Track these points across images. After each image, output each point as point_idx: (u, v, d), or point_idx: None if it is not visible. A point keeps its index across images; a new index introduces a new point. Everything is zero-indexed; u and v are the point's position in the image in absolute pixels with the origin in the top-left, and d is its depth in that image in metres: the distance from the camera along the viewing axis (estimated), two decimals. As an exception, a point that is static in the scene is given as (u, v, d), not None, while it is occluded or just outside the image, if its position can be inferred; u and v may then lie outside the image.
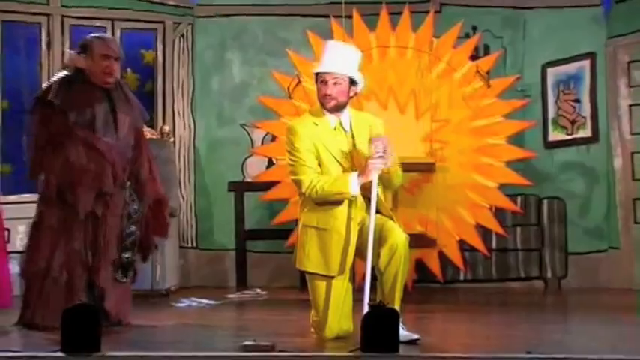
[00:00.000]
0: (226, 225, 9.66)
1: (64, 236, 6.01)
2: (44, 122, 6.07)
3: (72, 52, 6.45)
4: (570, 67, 9.89)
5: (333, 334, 5.67)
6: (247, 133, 10.06)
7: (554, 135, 9.99)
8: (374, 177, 5.53)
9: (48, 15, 9.68)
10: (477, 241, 9.09)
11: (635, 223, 9.48)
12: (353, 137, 5.74)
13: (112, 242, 6.12)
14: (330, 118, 5.76)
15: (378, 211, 5.66)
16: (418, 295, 8.27)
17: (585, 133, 9.83)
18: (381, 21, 9.33)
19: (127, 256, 6.17)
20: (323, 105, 5.76)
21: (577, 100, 9.87)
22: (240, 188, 9.55)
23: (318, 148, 5.70)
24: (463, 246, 9.19)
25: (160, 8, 10.00)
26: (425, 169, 8.82)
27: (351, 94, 5.76)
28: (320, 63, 5.79)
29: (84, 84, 6.11)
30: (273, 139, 9.41)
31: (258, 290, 8.86)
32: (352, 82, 5.73)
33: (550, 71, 9.98)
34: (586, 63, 9.81)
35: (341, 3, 9.20)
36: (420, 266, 9.02)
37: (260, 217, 9.58)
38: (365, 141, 5.71)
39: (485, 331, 6.39)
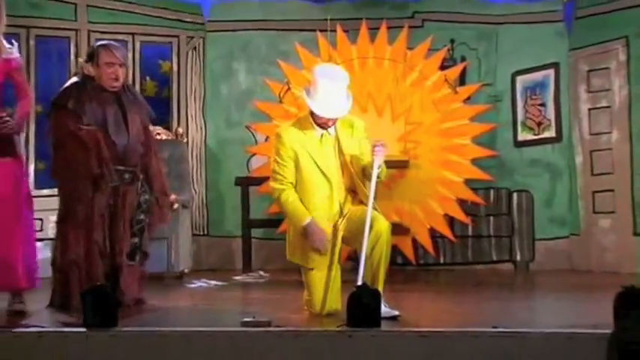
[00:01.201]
0: (233, 215, 9.66)
1: (85, 229, 5.93)
2: (59, 125, 6.01)
3: (81, 59, 6.35)
4: (537, 76, 9.88)
5: (324, 313, 5.66)
6: (252, 133, 10.04)
7: (523, 135, 9.97)
8: (376, 164, 5.50)
9: (76, 30, 9.66)
10: (445, 229, 9.21)
11: (594, 212, 9.47)
12: (338, 140, 5.71)
13: (127, 231, 6.08)
14: (318, 129, 5.72)
15: (362, 203, 5.65)
16: (395, 277, 8.24)
17: (550, 133, 9.81)
18: (361, 35, 9.38)
19: (134, 241, 6.12)
20: (321, 126, 5.67)
21: (543, 105, 9.86)
22: (245, 182, 9.54)
23: (301, 156, 5.64)
24: (434, 233, 9.25)
25: (176, 24, 9.98)
26: (400, 165, 8.86)
27: None
28: (319, 101, 5.56)
29: (94, 89, 6.03)
30: (268, 139, 9.46)
31: (261, 272, 8.85)
32: None
33: (519, 79, 9.97)
34: (551, 72, 9.79)
35: (327, 20, 9.26)
36: (395, 251, 9.02)
37: (263, 207, 9.56)
38: (348, 142, 5.68)
39: (458, 308, 6.37)
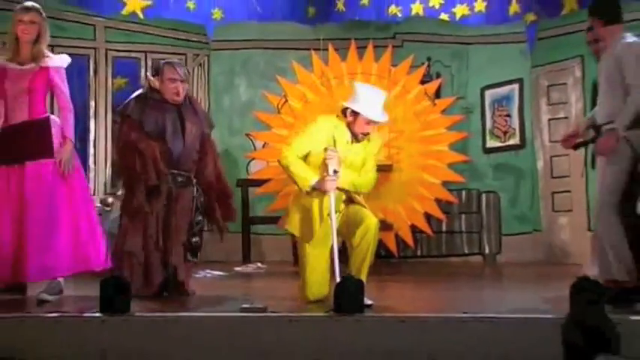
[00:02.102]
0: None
1: (141, 225, 5.90)
2: (123, 133, 5.98)
3: (148, 74, 6.30)
4: (503, 90, 9.89)
5: (314, 297, 5.63)
6: (252, 141, 10.02)
7: (491, 142, 9.98)
8: (330, 168, 5.47)
9: (95, 48, 9.64)
10: (424, 225, 9.20)
11: (554, 211, 9.48)
12: (355, 147, 5.65)
13: (183, 228, 5.98)
14: (348, 132, 5.65)
15: (352, 201, 5.64)
16: (379, 268, 8.23)
17: (515, 141, 9.82)
18: (350, 53, 9.36)
19: (195, 240, 6.04)
20: (355, 135, 5.61)
21: (508, 115, 9.87)
22: (245, 184, 9.53)
23: (324, 145, 5.55)
24: (414, 229, 9.24)
25: (183, 43, 9.96)
26: (384, 169, 8.85)
27: None
28: (369, 107, 5.53)
29: (157, 101, 5.99)
30: (264, 145, 9.46)
31: (259, 264, 8.84)
32: None
33: (487, 93, 9.98)
34: (515, 86, 9.81)
35: (319, 40, 9.25)
36: (380, 245, 9.02)
37: (261, 206, 9.55)
38: (362, 152, 5.64)
39: (433, 295, 6.37)
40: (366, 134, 5.62)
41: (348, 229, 5.60)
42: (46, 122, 5.78)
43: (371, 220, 5.52)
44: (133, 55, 9.76)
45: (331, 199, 5.49)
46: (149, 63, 9.79)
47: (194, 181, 6.08)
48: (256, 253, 9.51)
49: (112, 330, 4.84)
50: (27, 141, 5.70)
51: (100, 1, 9.93)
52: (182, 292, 6.03)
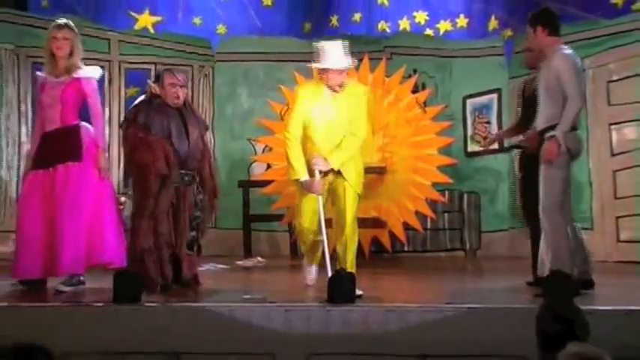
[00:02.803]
0: (236, 211, 9.60)
1: (153, 222, 5.83)
2: (130, 136, 5.93)
3: (149, 81, 6.22)
4: (483, 99, 9.88)
5: (310, 234, 5.70)
6: (252, 145, 10.00)
7: (472, 147, 9.96)
8: (317, 174, 5.60)
9: (109, 60, 9.61)
10: (415, 223, 9.12)
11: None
12: (340, 102, 5.68)
13: (187, 226, 5.96)
14: (326, 90, 5.67)
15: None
16: (373, 262, 8.25)
17: (494, 146, 9.80)
18: (347, 65, 9.32)
19: (192, 234, 6.01)
20: (332, 88, 5.64)
21: (488, 122, 9.85)
22: (246, 185, 9.51)
23: (310, 110, 5.66)
24: (406, 226, 9.21)
25: (190, 56, 9.94)
26: (379, 171, 8.83)
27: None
28: (328, 59, 5.61)
29: (159, 105, 5.94)
30: (270, 149, 9.41)
31: (259, 258, 8.81)
32: None
33: (469, 102, 9.96)
34: (494, 96, 9.79)
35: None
36: (375, 241, 9.01)
37: (261, 205, 9.52)
38: (345, 103, 5.66)
39: (419, 286, 6.36)
40: (342, 84, 5.62)
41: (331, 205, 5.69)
42: (75, 129, 5.83)
43: (347, 220, 5.59)
44: (145, 66, 9.72)
45: (319, 202, 5.52)
46: (158, 73, 9.79)
47: (197, 179, 6.06)
48: (256, 248, 9.48)
49: (125, 318, 4.84)
50: (58, 146, 5.77)
51: (115, 17, 9.91)
52: (187, 284, 5.99)
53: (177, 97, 5.97)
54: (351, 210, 5.64)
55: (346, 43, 5.79)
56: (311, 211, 5.73)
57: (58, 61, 5.86)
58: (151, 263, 5.79)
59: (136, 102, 6.13)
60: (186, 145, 5.95)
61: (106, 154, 5.93)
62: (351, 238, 5.59)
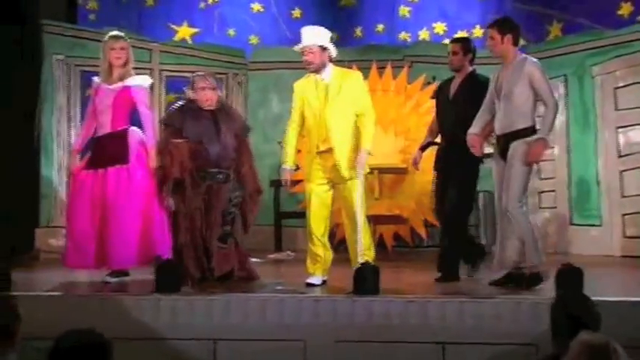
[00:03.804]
0: (268, 208, 9.62)
1: (188, 218, 5.84)
2: (161, 139, 5.96)
3: (185, 87, 6.21)
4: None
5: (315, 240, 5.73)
6: (282, 147, 9.98)
7: (487, 149, 9.89)
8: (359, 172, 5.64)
9: (151, 69, 9.64)
10: (434, 220, 9.07)
11: (540, 207, 9.41)
12: (327, 87, 5.69)
13: (219, 220, 5.95)
14: (316, 77, 5.73)
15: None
16: (395, 256, 8.24)
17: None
18: (371, 73, 9.32)
19: (226, 228, 6.01)
20: (308, 70, 5.76)
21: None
22: (277, 184, 9.48)
23: (304, 100, 5.76)
24: (426, 223, 9.18)
25: (225, 64, 9.96)
26: (401, 172, 8.81)
27: (325, 57, 5.71)
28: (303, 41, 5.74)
29: (194, 109, 5.94)
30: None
31: (289, 252, 8.84)
32: (323, 49, 5.69)
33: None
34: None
35: (344, 61, 9.18)
36: (396, 236, 9.01)
37: (291, 202, 9.54)
38: (337, 89, 5.68)
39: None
40: (307, 63, 5.69)
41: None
42: (124, 134, 5.88)
43: (350, 220, 5.64)
44: (183, 74, 9.74)
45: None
46: (196, 81, 9.81)
47: (232, 177, 6.04)
48: (286, 242, 9.50)
49: (165, 307, 4.88)
50: (108, 150, 5.83)
51: (156, 29, 9.96)
52: (218, 276, 5.92)
53: (209, 100, 5.96)
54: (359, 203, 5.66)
55: (320, 28, 5.84)
56: (320, 216, 5.72)
57: (114, 70, 5.93)
58: (189, 258, 5.79)
59: (173, 107, 6.16)
60: (217, 146, 5.93)
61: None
62: (352, 233, 5.64)
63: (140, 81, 6.04)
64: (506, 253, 5.54)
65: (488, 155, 6.04)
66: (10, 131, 8.16)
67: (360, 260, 5.34)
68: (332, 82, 5.69)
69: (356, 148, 5.67)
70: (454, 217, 6.00)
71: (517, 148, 5.46)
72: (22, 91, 8.43)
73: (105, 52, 5.97)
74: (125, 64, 5.94)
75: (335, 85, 5.68)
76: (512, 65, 5.54)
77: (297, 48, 5.75)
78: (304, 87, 5.79)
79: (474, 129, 5.69)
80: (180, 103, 6.12)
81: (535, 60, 5.63)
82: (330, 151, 5.65)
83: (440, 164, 6.20)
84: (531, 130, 5.48)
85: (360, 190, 5.61)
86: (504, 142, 5.54)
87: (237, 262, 6.09)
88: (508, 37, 5.57)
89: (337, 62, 9.56)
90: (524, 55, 5.65)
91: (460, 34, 10.21)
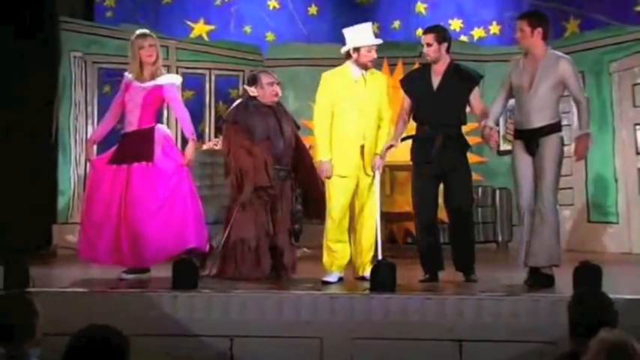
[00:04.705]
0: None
1: (252, 215, 5.78)
2: (231, 138, 5.90)
3: (245, 86, 6.13)
4: (514, 101, 9.76)
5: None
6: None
7: (504, 146, 9.82)
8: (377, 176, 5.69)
9: (168, 66, 9.63)
10: (445, 217, 9.06)
11: (558, 205, 9.35)
12: (365, 83, 5.73)
13: (287, 216, 5.93)
14: (357, 73, 5.70)
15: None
16: (408, 253, 8.19)
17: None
18: (383, 69, 9.30)
19: (297, 227, 6.01)
20: (365, 66, 5.71)
21: (518, 122, 9.76)
22: (294, 181, 9.53)
23: (338, 95, 5.67)
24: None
25: (241, 61, 9.96)
26: (412, 169, 8.78)
27: None
28: (363, 37, 5.73)
29: (256, 106, 5.90)
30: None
31: (305, 249, 8.82)
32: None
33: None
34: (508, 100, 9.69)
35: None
36: (409, 233, 9.00)
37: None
38: (374, 91, 5.74)
39: (454, 277, 6.31)
40: (373, 60, 5.70)
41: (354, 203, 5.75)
42: (150, 132, 5.90)
43: (363, 226, 5.69)
44: (199, 71, 9.78)
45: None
46: (212, 78, 9.82)
47: (292, 174, 6.00)
48: (302, 239, 9.49)
49: (182, 303, 4.89)
50: (134, 147, 5.83)
51: (173, 26, 9.98)
52: (286, 275, 5.91)
53: (277, 95, 5.94)
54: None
55: (370, 24, 5.90)
56: (344, 211, 5.72)
57: (145, 68, 5.94)
58: (244, 253, 5.74)
59: (235, 104, 6.10)
60: (281, 143, 5.89)
61: (194, 146, 5.92)
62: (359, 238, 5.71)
63: (172, 79, 6.07)
64: (534, 249, 5.48)
65: (506, 152, 6.01)
66: (28, 128, 8.21)
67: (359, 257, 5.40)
68: (369, 80, 5.76)
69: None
70: (468, 212, 5.95)
71: (549, 143, 5.43)
72: (40, 88, 8.47)
73: (134, 51, 5.97)
74: (155, 61, 5.96)
75: (372, 84, 5.77)
76: (542, 60, 5.49)
77: (370, 44, 5.71)
78: (338, 80, 5.73)
79: (491, 122, 5.66)
80: (240, 100, 6.06)
81: (568, 57, 5.60)
82: (362, 147, 5.66)
83: (427, 157, 5.86)
84: (559, 126, 5.48)
85: (377, 190, 5.64)
86: (532, 138, 5.49)
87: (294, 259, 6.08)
88: (538, 31, 5.53)
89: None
90: (553, 51, 5.59)
91: (477, 31, 10.21)
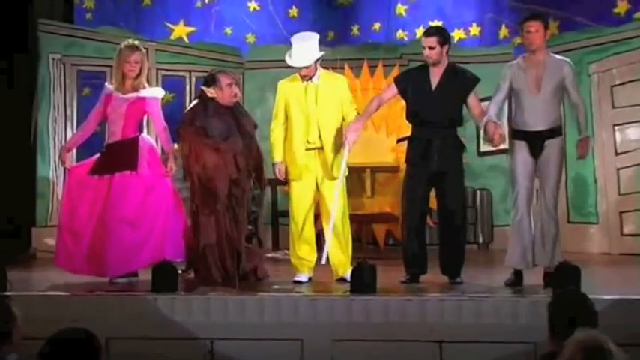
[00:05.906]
0: (266, 208, 9.62)
1: (214, 218, 5.72)
2: (189, 139, 5.83)
3: (203, 86, 6.00)
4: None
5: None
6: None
7: (484, 147, 9.89)
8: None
9: (148, 68, 9.63)
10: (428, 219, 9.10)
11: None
12: (317, 89, 5.78)
13: (245, 219, 5.92)
14: (303, 81, 5.85)
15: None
16: (388, 254, 8.22)
17: (505, 145, 9.63)
18: (363, 71, 9.33)
19: (250, 228, 6.00)
20: (303, 78, 5.84)
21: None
22: (274, 183, 9.44)
23: (289, 101, 5.81)
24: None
25: (222, 63, 9.90)
26: (392, 170, 8.80)
27: (317, 65, 5.87)
28: (292, 57, 5.86)
29: (214, 107, 5.83)
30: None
31: (286, 251, 8.81)
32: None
33: (482, 105, 9.89)
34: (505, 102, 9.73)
35: (337, 60, 9.21)
36: (389, 234, 9.03)
37: (286, 202, 9.52)
38: (327, 93, 5.81)
39: (436, 278, 6.33)
40: (306, 78, 5.78)
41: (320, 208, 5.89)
42: (134, 142, 5.87)
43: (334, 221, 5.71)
44: (179, 73, 9.74)
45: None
46: (193, 80, 9.79)
47: (253, 175, 5.98)
48: (283, 241, 9.49)
49: (163, 306, 4.88)
50: (117, 157, 5.81)
51: (153, 28, 9.94)
52: (246, 276, 5.88)
53: (235, 95, 5.90)
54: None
55: (316, 35, 5.93)
56: (306, 214, 5.79)
57: (127, 80, 5.91)
58: (212, 259, 5.68)
59: (191, 105, 6.03)
60: (239, 143, 5.88)
61: (175, 159, 5.91)
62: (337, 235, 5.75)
63: (154, 92, 6.06)
64: (548, 248, 5.54)
65: (486, 153, 6.03)
66: (6, 130, 8.15)
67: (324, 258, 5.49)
68: (321, 85, 5.79)
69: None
70: (461, 215, 5.96)
71: (555, 145, 5.47)
72: (19, 90, 8.42)
73: (119, 61, 5.94)
74: (138, 75, 5.92)
75: (325, 88, 5.80)
76: (545, 62, 5.53)
77: (295, 66, 5.79)
78: (290, 88, 5.82)
79: (494, 117, 5.70)
80: (197, 101, 5.99)
81: (569, 60, 5.66)
82: (318, 149, 5.69)
83: (424, 158, 5.86)
84: (562, 128, 5.56)
85: (341, 190, 5.66)
86: (537, 139, 5.51)
87: (260, 260, 6.07)
88: (547, 33, 5.62)
89: (331, 61, 9.65)
90: (553, 54, 5.68)
91: (457, 32, 10.23)
